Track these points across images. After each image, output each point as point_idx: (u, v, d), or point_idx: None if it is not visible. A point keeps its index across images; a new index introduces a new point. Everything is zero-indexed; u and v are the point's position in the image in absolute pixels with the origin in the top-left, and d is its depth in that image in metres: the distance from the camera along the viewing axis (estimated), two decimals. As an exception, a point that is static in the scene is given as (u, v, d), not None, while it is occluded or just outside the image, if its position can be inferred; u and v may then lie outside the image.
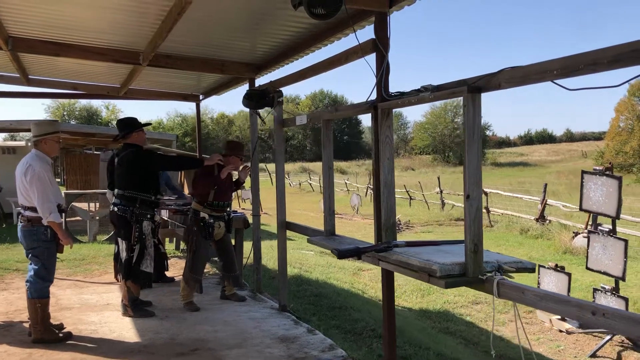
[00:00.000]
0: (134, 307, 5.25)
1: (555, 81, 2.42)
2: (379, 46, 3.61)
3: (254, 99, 5.44)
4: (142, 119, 5.79)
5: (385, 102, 3.52)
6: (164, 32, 4.51)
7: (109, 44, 5.48)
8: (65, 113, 70.93)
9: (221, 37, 5.19)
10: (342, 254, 3.22)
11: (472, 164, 2.83)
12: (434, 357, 4.67)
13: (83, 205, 11.38)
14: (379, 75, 3.60)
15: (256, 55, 5.77)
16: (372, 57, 3.72)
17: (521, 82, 2.59)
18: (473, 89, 2.79)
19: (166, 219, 8.02)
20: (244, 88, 8.11)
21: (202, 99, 8.75)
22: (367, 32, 4.01)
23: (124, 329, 4.87)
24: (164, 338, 4.64)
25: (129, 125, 5.28)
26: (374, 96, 3.67)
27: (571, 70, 2.30)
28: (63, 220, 5.55)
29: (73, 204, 10.79)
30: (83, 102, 71.97)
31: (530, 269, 3.04)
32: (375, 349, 4.61)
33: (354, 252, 3.27)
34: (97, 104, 75.03)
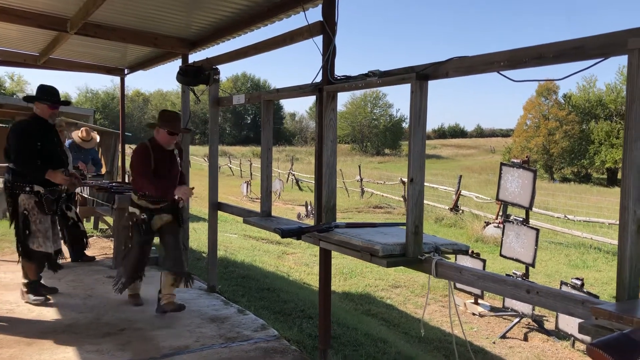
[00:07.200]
0: (33, 291, 4.85)
1: (501, 72, 2.55)
2: (327, 29, 3.63)
3: (189, 75, 5.32)
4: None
5: (331, 85, 3.56)
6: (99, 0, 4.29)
7: (33, 7, 5.12)
8: (-38, 83, 65.33)
9: (156, 8, 4.99)
10: (285, 234, 3.24)
11: (417, 149, 2.93)
12: (362, 337, 4.81)
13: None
14: (325, 58, 3.63)
15: (192, 30, 5.61)
16: (319, 40, 3.74)
17: (468, 72, 2.70)
18: (421, 76, 2.87)
19: (86, 196, 7.67)
20: (173, 64, 7.89)
21: (128, 74, 8.41)
22: (313, 15, 4.02)
23: (44, 309, 4.64)
24: (88, 317, 4.47)
25: (41, 93, 4.84)
26: (319, 79, 3.70)
27: (518, 62, 2.43)
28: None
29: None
30: (-17, 71, 66.60)
31: (464, 251, 3.22)
32: (306, 328, 4.68)
33: (297, 232, 3.30)
34: (0, 73, 69.71)
